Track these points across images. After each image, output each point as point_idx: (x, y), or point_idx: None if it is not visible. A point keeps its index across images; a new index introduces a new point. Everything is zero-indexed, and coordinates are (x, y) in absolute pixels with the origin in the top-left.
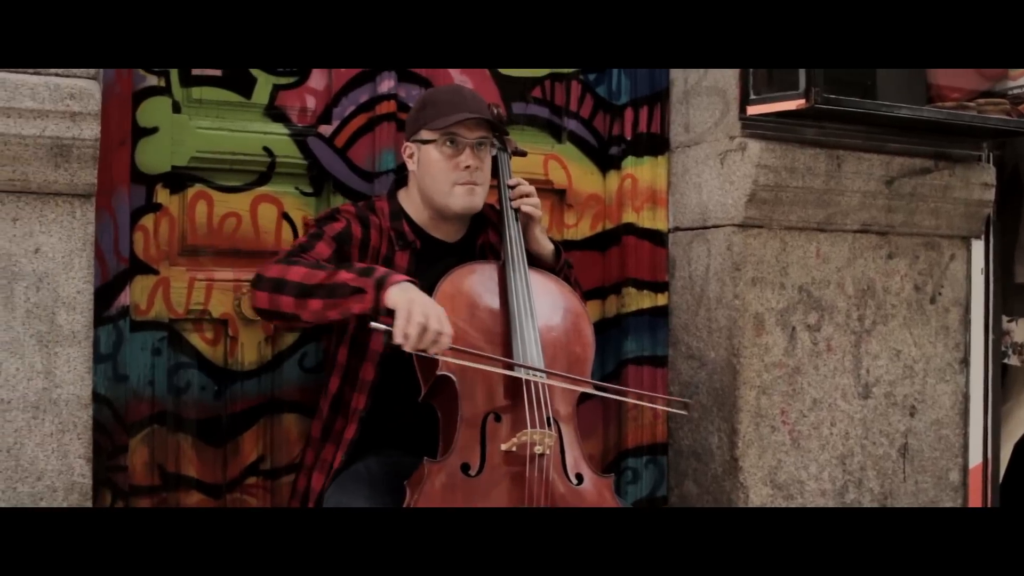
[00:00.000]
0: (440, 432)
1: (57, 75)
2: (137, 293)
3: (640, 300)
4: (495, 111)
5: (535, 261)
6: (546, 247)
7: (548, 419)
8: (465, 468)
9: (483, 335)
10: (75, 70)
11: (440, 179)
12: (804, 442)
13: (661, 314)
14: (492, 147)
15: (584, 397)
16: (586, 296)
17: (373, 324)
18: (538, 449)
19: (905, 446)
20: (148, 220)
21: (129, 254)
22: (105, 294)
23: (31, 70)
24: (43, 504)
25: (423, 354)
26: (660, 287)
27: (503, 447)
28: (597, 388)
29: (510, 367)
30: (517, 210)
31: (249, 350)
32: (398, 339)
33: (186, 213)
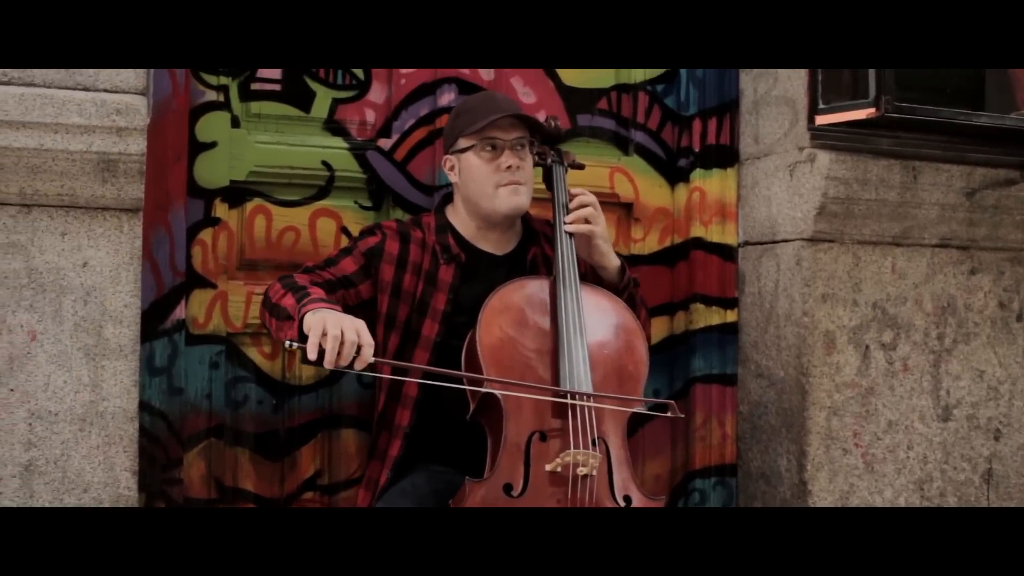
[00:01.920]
0: (488, 450)
1: (105, 91)
2: (195, 307)
3: (708, 316)
4: (553, 124)
5: (598, 276)
6: (612, 262)
7: (594, 439)
8: (508, 488)
9: (531, 352)
10: (121, 84)
11: (483, 183)
12: (878, 466)
13: (730, 331)
14: (548, 157)
15: (644, 416)
16: (653, 312)
17: (287, 343)
18: (582, 470)
19: (989, 471)
20: (206, 234)
21: (186, 268)
22: (160, 307)
23: (80, 86)
24: None
25: (348, 371)
26: (729, 303)
27: (547, 468)
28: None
29: (475, 383)
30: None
31: (307, 366)
32: (311, 355)
33: (244, 227)
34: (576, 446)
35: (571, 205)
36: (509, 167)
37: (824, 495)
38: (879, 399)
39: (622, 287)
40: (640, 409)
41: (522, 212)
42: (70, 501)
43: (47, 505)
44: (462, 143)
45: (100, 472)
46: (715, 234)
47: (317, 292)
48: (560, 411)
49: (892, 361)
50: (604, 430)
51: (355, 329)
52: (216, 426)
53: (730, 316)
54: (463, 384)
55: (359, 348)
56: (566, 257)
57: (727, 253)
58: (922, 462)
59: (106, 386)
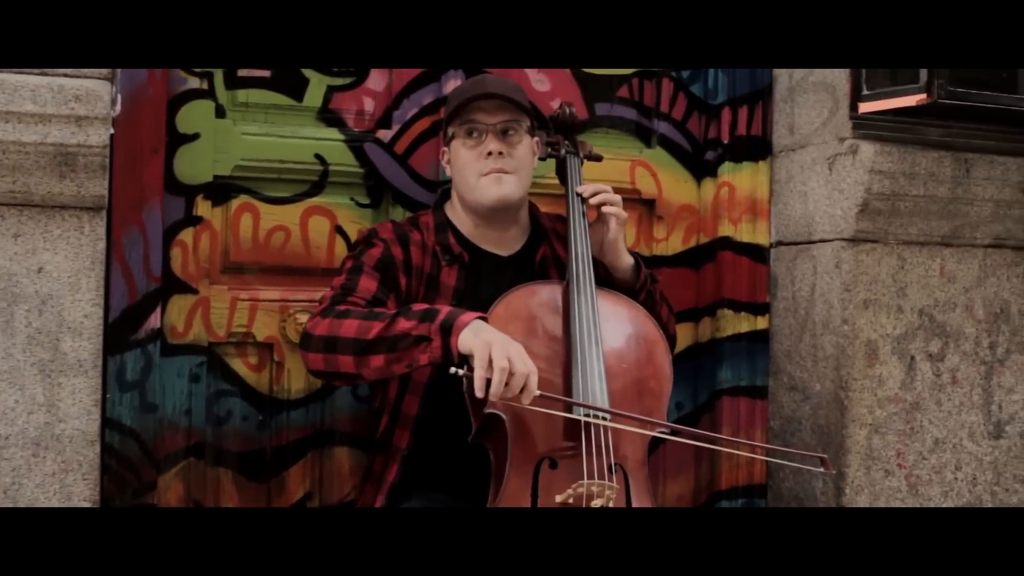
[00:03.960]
0: (492, 476)
1: (65, 75)
2: (173, 314)
3: (737, 323)
4: (568, 111)
5: (611, 276)
6: (626, 260)
7: (611, 466)
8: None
9: (542, 365)
10: (84, 70)
11: (467, 173)
12: (923, 488)
13: (760, 339)
14: (561, 148)
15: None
16: (676, 319)
17: (453, 369)
18: (597, 503)
19: None
20: (187, 234)
21: (163, 272)
22: (133, 316)
23: (35, 70)
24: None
25: (515, 404)
26: (760, 309)
27: (558, 499)
28: (673, 432)
29: (569, 408)
30: (587, 222)
31: (297, 377)
32: (479, 392)
33: (229, 227)
34: (591, 473)
35: (586, 193)
36: (490, 153)
37: None
38: (925, 415)
39: (639, 286)
40: (662, 434)
41: (509, 203)
42: None
43: None
44: (450, 131)
45: (56, 502)
46: (745, 233)
47: (426, 305)
48: (573, 433)
49: (940, 373)
50: (622, 455)
51: (522, 357)
52: (196, 444)
53: (760, 323)
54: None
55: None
56: (581, 258)
57: (758, 254)
58: (971, 484)
59: (63, 406)
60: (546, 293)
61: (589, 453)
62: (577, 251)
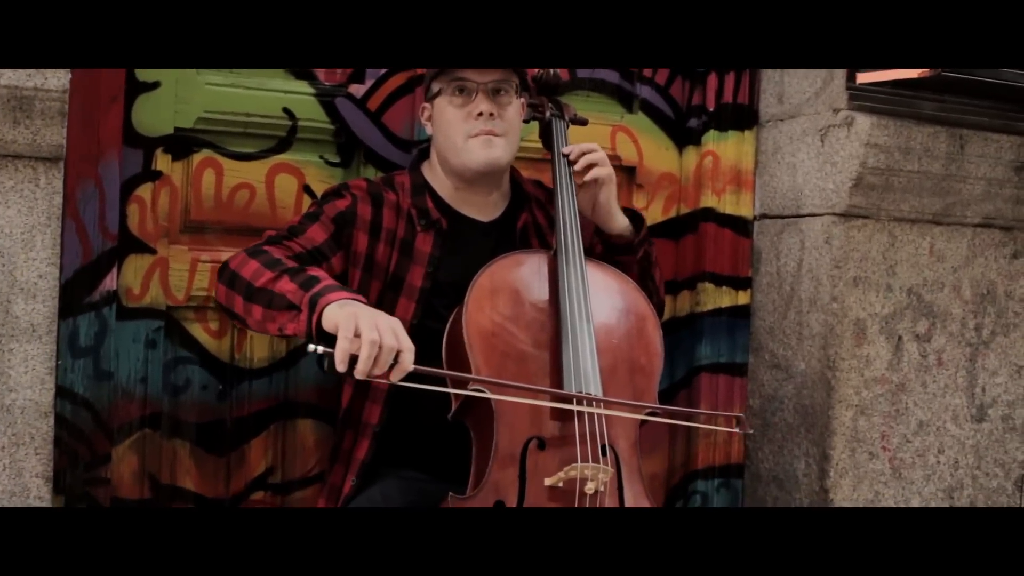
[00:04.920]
0: (472, 458)
1: None
2: (129, 275)
3: (718, 298)
4: (552, 72)
5: (609, 238)
6: (620, 222)
7: (603, 447)
8: (499, 507)
9: (529, 342)
10: None
11: (452, 133)
12: (906, 472)
13: (742, 315)
14: (546, 110)
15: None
16: None
17: (311, 346)
18: (590, 487)
19: (1023, 478)
20: (145, 190)
21: (119, 230)
22: (87, 276)
23: None
24: None
25: (381, 381)
26: (742, 283)
27: (547, 482)
28: (668, 414)
29: (534, 394)
30: (573, 186)
31: (260, 344)
32: (341, 364)
33: (190, 183)
34: (584, 456)
35: (573, 155)
36: (481, 114)
37: (846, 504)
38: (910, 397)
39: (637, 243)
40: (656, 417)
41: (498, 168)
42: None
43: None
44: (434, 87)
45: (5, 479)
46: (728, 205)
47: (320, 273)
48: (563, 413)
49: (926, 354)
50: (614, 435)
51: (392, 331)
52: (152, 415)
53: (742, 298)
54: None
55: (397, 354)
56: (569, 225)
57: (741, 227)
58: (953, 467)
59: (14, 374)
60: (532, 263)
61: (582, 433)
62: (565, 218)
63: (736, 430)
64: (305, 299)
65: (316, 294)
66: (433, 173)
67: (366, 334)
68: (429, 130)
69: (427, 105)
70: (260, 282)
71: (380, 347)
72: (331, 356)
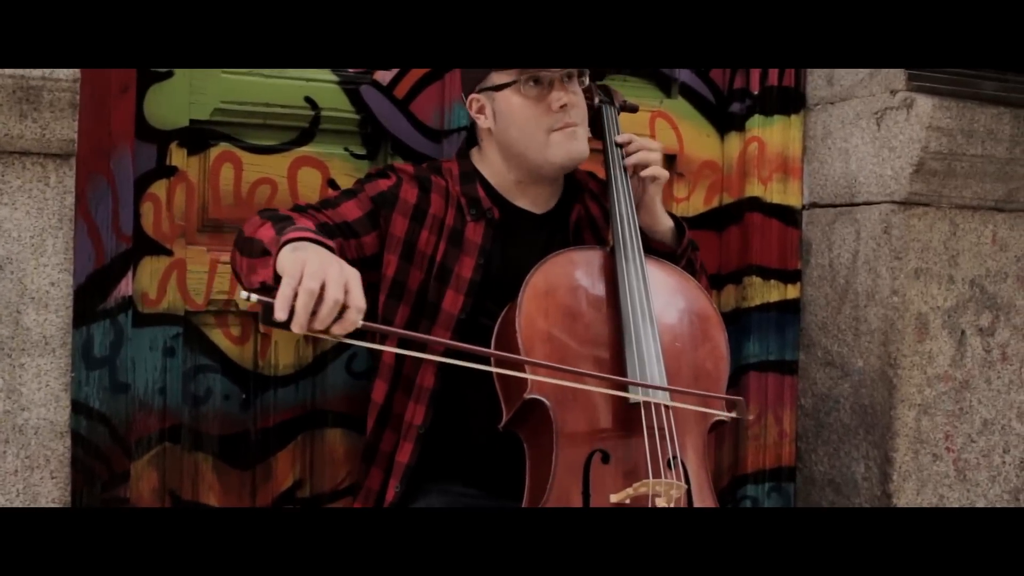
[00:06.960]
0: (528, 471)
1: None
2: (145, 279)
3: (766, 292)
4: None
5: (649, 243)
6: (665, 223)
7: (673, 458)
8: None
9: (587, 346)
10: None
11: (531, 129)
12: (971, 473)
13: (791, 310)
14: (595, 96)
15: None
16: None
17: (244, 294)
18: (661, 503)
19: None
20: (159, 187)
21: (134, 231)
22: (100, 281)
23: None
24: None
25: (323, 336)
26: (791, 276)
27: (613, 499)
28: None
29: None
30: (629, 177)
31: (285, 350)
32: (280, 314)
33: (208, 179)
34: (655, 471)
35: (632, 146)
36: (564, 106)
37: None
38: (974, 394)
39: (680, 252)
40: (721, 415)
41: (582, 161)
42: None
43: None
44: (496, 78)
45: (19, 504)
46: (775, 194)
47: (305, 222)
48: (628, 423)
49: (990, 349)
50: (683, 445)
51: (341, 282)
52: (171, 428)
53: (791, 292)
54: (489, 365)
55: (343, 309)
56: (626, 219)
57: (789, 216)
58: (1019, 468)
59: (26, 391)
60: (588, 260)
61: (652, 443)
62: (621, 211)
63: (733, 414)
64: (276, 243)
65: (283, 236)
66: (486, 163)
67: (306, 281)
68: (483, 123)
69: (479, 97)
70: (249, 231)
71: (320, 298)
72: (268, 304)
